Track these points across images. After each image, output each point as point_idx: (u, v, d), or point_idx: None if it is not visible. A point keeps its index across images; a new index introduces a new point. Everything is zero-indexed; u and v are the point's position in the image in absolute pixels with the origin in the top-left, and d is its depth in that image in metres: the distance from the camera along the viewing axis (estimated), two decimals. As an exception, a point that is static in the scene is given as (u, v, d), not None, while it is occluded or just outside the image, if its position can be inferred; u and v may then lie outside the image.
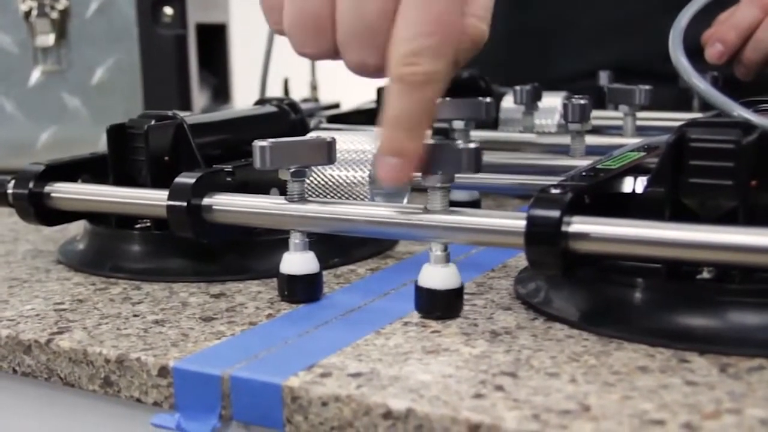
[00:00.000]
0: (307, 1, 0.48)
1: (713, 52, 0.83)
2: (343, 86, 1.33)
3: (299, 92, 1.12)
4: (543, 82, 0.82)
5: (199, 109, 1.02)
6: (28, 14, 1.00)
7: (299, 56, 0.52)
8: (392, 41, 0.46)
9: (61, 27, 0.99)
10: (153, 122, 0.62)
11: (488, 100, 0.71)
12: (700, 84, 0.50)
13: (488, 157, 0.70)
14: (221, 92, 1.12)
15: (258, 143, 0.52)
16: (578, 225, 0.45)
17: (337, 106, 1.04)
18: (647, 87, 0.74)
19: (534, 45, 1.06)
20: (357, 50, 0.48)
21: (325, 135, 0.54)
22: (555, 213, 0.45)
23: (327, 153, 0.53)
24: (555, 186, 0.47)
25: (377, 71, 0.48)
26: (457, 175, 0.49)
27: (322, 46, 0.49)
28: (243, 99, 1.07)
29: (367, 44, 0.47)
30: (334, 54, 0.49)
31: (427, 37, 0.46)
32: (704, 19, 0.67)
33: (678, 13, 0.57)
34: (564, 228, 0.45)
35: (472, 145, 0.47)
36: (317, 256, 0.54)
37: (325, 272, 0.56)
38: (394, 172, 0.47)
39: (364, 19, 0.47)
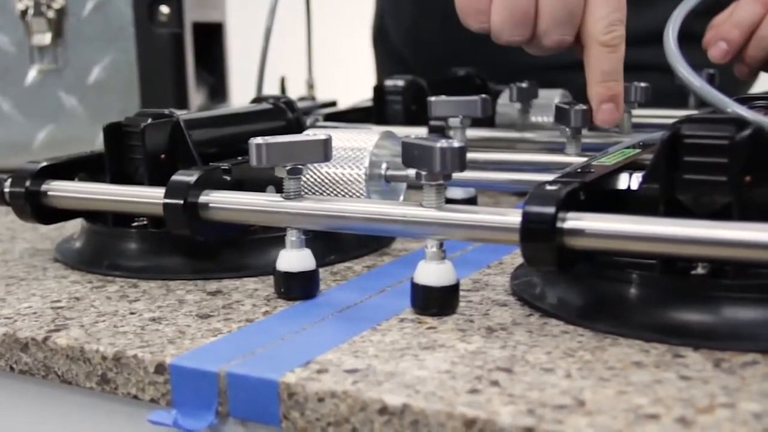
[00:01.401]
0: (515, 5, 0.63)
1: (717, 51, 0.82)
2: (340, 85, 1.34)
3: (296, 91, 1.12)
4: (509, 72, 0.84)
5: (195, 108, 1.02)
6: (24, 13, 1.00)
7: (504, 44, 0.66)
8: (591, 19, 0.63)
9: (57, 26, 1.00)
10: (149, 120, 0.62)
11: (484, 97, 0.71)
12: (695, 81, 0.50)
13: (484, 154, 0.70)
14: (218, 91, 1.12)
15: (254, 141, 0.52)
16: (573, 221, 0.45)
17: (333, 104, 1.04)
18: (643, 84, 0.75)
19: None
20: (559, 32, 0.64)
21: (321, 133, 0.54)
22: (550, 209, 0.45)
23: (323, 150, 0.53)
24: (550, 182, 0.47)
25: (570, 45, 0.64)
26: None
27: (526, 34, 0.65)
28: (240, 98, 1.07)
29: (568, 26, 0.63)
30: (532, 39, 0.65)
31: (615, 12, 0.63)
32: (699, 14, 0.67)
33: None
34: (559, 224, 0.45)
35: (456, 144, 0.48)
36: (314, 253, 0.54)
37: (321, 269, 0.56)
38: (613, 114, 0.63)
39: (566, 8, 0.63)
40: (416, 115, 0.88)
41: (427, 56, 1.13)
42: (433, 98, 0.73)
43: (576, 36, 0.64)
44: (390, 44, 1.21)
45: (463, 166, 0.48)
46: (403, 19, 1.18)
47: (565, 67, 0.93)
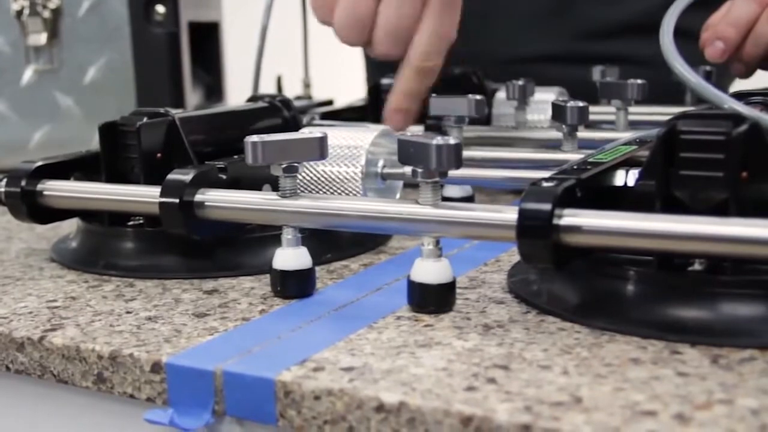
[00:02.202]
0: (357, 7, 0.69)
1: (714, 50, 0.82)
2: (336, 84, 1.33)
3: (293, 90, 1.12)
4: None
5: (192, 107, 1.02)
6: (20, 13, 1.00)
7: (342, 44, 0.73)
8: (415, 43, 0.69)
9: (53, 26, 0.99)
10: (145, 119, 0.62)
11: (478, 97, 0.71)
12: (692, 77, 0.50)
13: (481, 152, 0.70)
14: (215, 90, 1.12)
15: (250, 139, 0.52)
16: (570, 218, 0.45)
17: (330, 103, 1.04)
18: (640, 81, 0.75)
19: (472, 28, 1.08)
20: (387, 45, 0.70)
21: (317, 131, 0.54)
22: (546, 206, 0.45)
23: (319, 148, 0.53)
24: (546, 179, 0.47)
25: (395, 60, 0.71)
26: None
27: (362, 39, 0.71)
28: (236, 97, 1.07)
29: (396, 42, 0.70)
30: (367, 45, 0.71)
31: (439, 43, 0.70)
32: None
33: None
34: (555, 221, 0.45)
35: (452, 141, 0.48)
36: (310, 251, 0.54)
37: (318, 268, 0.56)
38: (400, 123, 0.73)
39: (399, 25, 0.69)
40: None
41: None
42: (432, 96, 0.72)
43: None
44: None
45: (459, 163, 0.48)
46: None
47: (545, 60, 0.93)
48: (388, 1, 0.69)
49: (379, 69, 1.18)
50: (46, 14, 0.99)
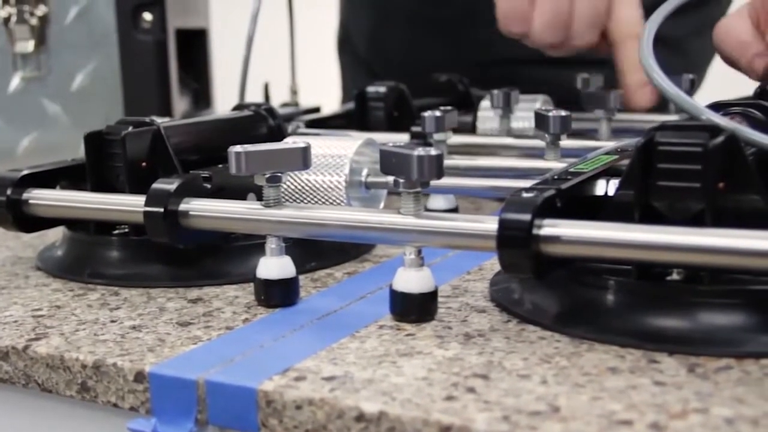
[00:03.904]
0: (557, 7, 0.76)
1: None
2: (324, 90, 1.34)
3: (281, 96, 1.12)
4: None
5: (179, 115, 1.02)
6: (7, 20, 1.00)
7: (538, 46, 0.81)
8: (620, 18, 0.77)
9: (40, 33, 0.99)
10: (130, 129, 0.62)
11: (449, 109, 0.72)
12: (670, 88, 0.51)
13: (465, 160, 0.71)
14: (202, 97, 1.12)
15: (233, 149, 0.52)
16: (549, 228, 0.45)
17: (317, 110, 1.05)
18: (621, 92, 0.75)
19: (455, 31, 1.09)
20: (589, 35, 0.77)
21: (301, 140, 0.54)
22: (526, 216, 0.45)
23: (302, 159, 0.53)
24: (527, 189, 0.48)
25: (595, 45, 0.79)
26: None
27: (561, 37, 0.77)
28: (224, 104, 1.07)
29: (596, 28, 0.77)
30: (566, 40, 0.78)
31: (639, 9, 0.78)
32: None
33: None
34: (535, 231, 0.45)
35: (433, 152, 0.48)
36: (295, 259, 0.55)
37: (302, 276, 0.57)
38: (653, 96, 0.78)
39: (597, 11, 0.76)
40: (398, 121, 0.88)
41: (391, 59, 1.15)
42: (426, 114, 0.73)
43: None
44: (354, 52, 1.22)
45: (441, 173, 0.49)
46: (364, 24, 1.19)
47: (526, 62, 0.94)
48: None
49: (357, 75, 1.19)
50: (34, 21, 0.99)
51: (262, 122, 0.72)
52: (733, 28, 0.71)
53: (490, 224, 0.47)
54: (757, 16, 0.70)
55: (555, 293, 0.50)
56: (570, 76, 0.95)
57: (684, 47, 1.09)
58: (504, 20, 0.78)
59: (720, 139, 0.46)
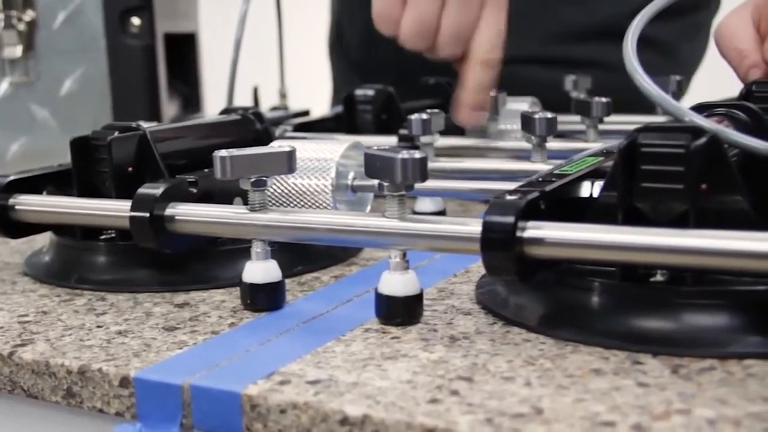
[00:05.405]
0: (423, 16, 0.76)
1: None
2: (313, 93, 1.34)
3: (269, 100, 1.12)
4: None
5: (168, 119, 1.02)
6: (-5, 26, 1.00)
7: (409, 49, 0.79)
8: (478, 39, 0.77)
9: (28, 38, 0.99)
10: (116, 134, 0.62)
11: (436, 112, 0.73)
12: (653, 90, 0.51)
13: (452, 163, 0.71)
14: (192, 102, 1.12)
15: (219, 154, 0.52)
16: (533, 230, 0.46)
17: (306, 113, 1.05)
18: (605, 100, 0.75)
19: None
20: (452, 48, 0.77)
21: (286, 144, 0.55)
22: (510, 219, 0.45)
23: (287, 162, 0.53)
24: (511, 192, 0.48)
25: (458, 58, 0.78)
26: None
27: (428, 44, 0.77)
28: (214, 108, 1.07)
29: (458, 43, 0.77)
30: (431, 49, 0.78)
31: (499, 37, 0.77)
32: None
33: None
34: (519, 233, 0.45)
35: (417, 155, 0.48)
36: (281, 263, 0.55)
37: (288, 280, 0.57)
38: (478, 119, 0.79)
39: (461, 28, 0.76)
40: (387, 124, 0.89)
41: (383, 59, 1.15)
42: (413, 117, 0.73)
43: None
44: (346, 53, 1.22)
45: (425, 176, 0.49)
46: (359, 22, 1.19)
47: (516, 63, 0.95)
48: (450, 8, 0.76)
49: (348, 78, 1.19)
50: (21, 27, 0.99)
51: (249, 126, 0.72)
52: (734, 35, 0.71)
53: (474, 227, 0.47)
54: (759, 17, 0.71)
55: (540, 295, 0.50)
56: (560, 78, 0.95)
57: (674, 50, 1.09)
58: (377, 20, 0.78)
59: (702, 140, 0.46)
